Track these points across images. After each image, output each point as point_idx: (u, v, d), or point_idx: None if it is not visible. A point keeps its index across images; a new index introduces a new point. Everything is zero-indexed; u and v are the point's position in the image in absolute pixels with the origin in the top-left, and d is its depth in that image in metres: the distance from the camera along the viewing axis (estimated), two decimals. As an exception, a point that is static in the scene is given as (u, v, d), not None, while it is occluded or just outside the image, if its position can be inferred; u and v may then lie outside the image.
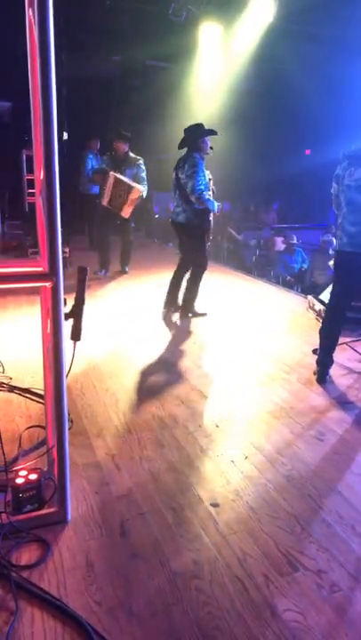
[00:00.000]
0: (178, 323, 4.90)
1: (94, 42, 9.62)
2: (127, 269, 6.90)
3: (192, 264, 4.97)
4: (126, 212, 6.10)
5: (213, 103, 11.02)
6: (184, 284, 5.06)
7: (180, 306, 5.04)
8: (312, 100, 11.13)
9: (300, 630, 1.64)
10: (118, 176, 6.04)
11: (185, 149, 4.73)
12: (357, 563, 1.93)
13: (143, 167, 6.39)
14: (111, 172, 6.07)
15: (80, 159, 8.61)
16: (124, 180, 6.03)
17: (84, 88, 10.30)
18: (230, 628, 1.64)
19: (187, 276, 5.03)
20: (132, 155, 6.39)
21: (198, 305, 5.08)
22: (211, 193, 4.75)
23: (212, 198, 4.69)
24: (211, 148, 4.74)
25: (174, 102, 10.73)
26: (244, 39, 9.68)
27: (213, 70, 10.88)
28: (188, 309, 5.02)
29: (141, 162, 6.40)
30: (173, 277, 5.11)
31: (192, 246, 4.93)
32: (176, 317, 5.03)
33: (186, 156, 4.69)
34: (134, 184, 6.08)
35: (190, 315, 5.01)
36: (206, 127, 4.70)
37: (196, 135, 4.66)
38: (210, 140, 4.73)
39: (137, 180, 6.27)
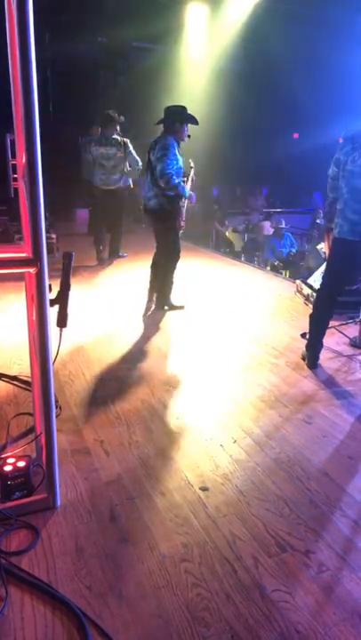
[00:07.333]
0: (162, 311, 4.79)
1: (78, 22, 9.43)
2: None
3: (164, 253, 4.70)
4: None
5: (200, 85, 10.89)
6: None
7: (155, 298, 4.84)
8: (300, 82, 11.03)
9: (288, 610, 1.66)
10: None
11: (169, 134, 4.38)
12: (345, 543, 1.96)
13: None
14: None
15: (82, 147, 8.09)
16: None
17: (68, 70, 10.11)
18: (219, 609, 1.66)
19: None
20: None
21: (179, 295, 4.90)
22: (186, 180, 4.52)
23: (187, 186, 4.47)
24: (188, 136, 4.44)
25: (160, 85, 10.58)
26: (231, 19, 9.55)
27: (200, 52, 10.74)
28: (163, 301, 4.79)
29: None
30: (152, 266, 4.87)
31: (164, 234, 4.64)
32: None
33: (160, 137, 4.36)
34: None
35: (166, 307, 4.78)
36: (192, 112, 4.39)
37: (176, 117, 4.34)
38: (188, 129, 4.41)
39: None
